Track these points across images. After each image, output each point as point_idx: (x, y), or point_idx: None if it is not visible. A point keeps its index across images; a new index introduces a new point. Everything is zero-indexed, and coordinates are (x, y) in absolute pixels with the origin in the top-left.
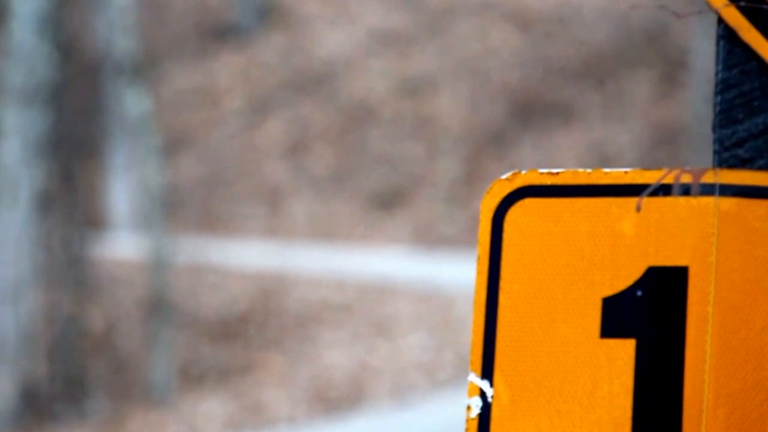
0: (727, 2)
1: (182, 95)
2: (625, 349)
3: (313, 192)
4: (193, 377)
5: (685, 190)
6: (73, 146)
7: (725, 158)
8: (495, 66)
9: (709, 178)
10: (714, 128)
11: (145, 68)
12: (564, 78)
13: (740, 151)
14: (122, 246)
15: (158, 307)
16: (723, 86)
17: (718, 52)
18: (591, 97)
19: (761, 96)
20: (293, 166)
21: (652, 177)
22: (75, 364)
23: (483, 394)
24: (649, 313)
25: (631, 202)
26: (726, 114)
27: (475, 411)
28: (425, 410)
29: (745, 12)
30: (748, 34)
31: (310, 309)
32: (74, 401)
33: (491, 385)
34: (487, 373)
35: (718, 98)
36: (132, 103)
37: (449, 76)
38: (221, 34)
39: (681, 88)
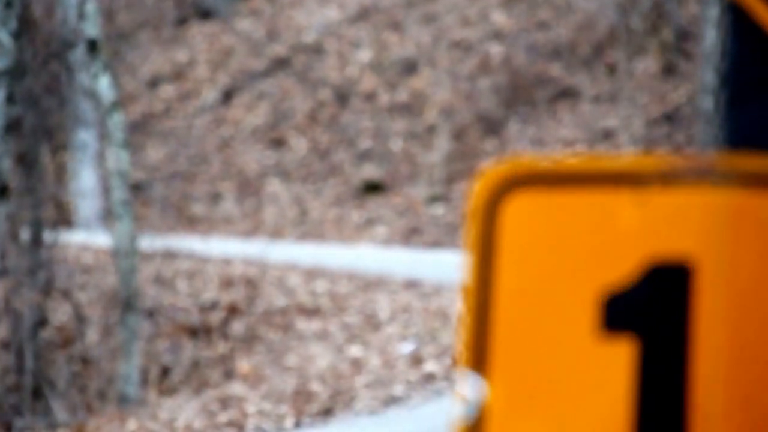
0: None
1: (152, 80)
2: (625, 347)
3: (291, 180)
4: (166, 377)
5: (691, 178)
6: (35, 133)
7: (734, 142)
8: (487, 46)
9: (716, 164)
10: (721, 110)
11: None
12: (558, 58)
13: (751, 135)
14: (89, 237)
15: (127, 302)
16: (733, 64)
17: (727, 31)
18: (587, 78)
19: None
20: (270, 153)
21: (655, 164)
22: (38, 363)
23: (476, 391)
24: (652, 310)
25: (633, 192)
26: (736, 94)
27: (468, 408)
28: (412, 407)
29: None
30: (760, 10)
31: (290, 304)
32: (37, 403)
33: (485, 382)
34: (480, 369)
35: (728, 77)
36: (99, 88)
37: (437, 58)
38: (193, 16)
39: (684, 68)
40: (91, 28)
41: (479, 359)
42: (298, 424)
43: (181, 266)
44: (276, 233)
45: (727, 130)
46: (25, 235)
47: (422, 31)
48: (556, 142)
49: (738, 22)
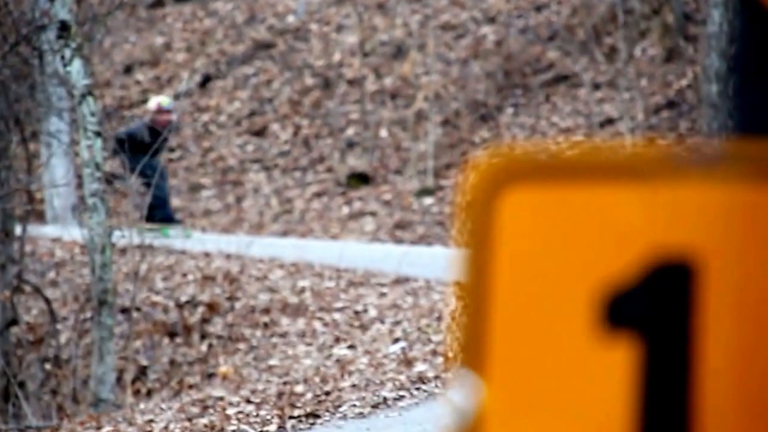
0: None
1: (126, 66)
2: (627, 346)
3: (273, 171)
4: (143, 378)
5: (697, 169)
6: (4, 121)
7: (743, 130)
8: (479, 29)
9: (723, 153)
10: (729, 95)
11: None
12: (555, 42)
13: (761, 121)
14: (61, 230)
15: (101, 299)
16: (742, 46)
17: (735, 11)
18: (585, 63)
19: None
20: (251, 143)
21: (658, 154)
22: (8, 363)
23: (471, 393)
24: (656, 308)
25: (636, 184)
26: (745, 78)
27: (463, 411)
28: (402, 410)
29: None
30: None
31: (272, 301)
32: (7, 406)
33: (481, 383)
34: (476, 370)
35: (736, 60)
36: (71, 74)
37: (427, 41)
38: None
39: (688, 52)
40: (62, 10)
41: (475, 359)
42: (281, 428)
43: (158, 261)
44: (258, 227)
45: (736, 116)
46: None
47: (411, 13)
48: (553, 130)
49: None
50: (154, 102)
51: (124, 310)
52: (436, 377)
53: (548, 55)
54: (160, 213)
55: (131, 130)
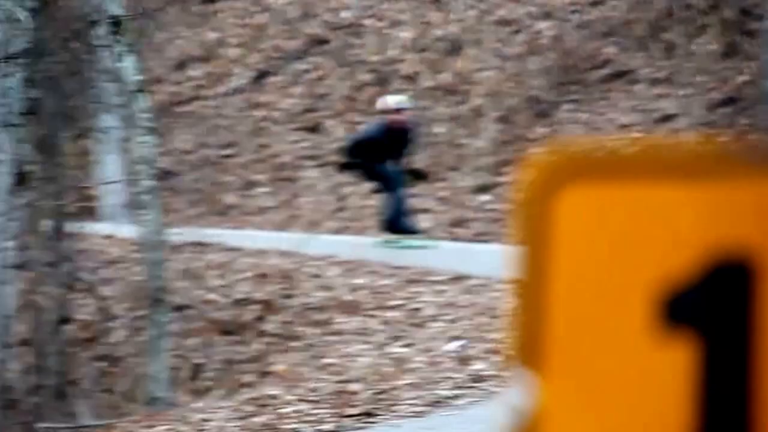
0: None
1: (179, 62)
2: (686, 345)
3: (328, 167)
4: (198, 376)
5: (758, 165)
6: (56, 118)
7: None
8: (536, 24)
9: None
10: None
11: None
12: (613, 37)
13: None
14: (114, 228)
15: (155, 297)
16: None
17: None
18: (643, 59)
19: None
20: (306, 139)
21: (718, 150)
22: (61, 362)
23: (529, 392)
24: (714, 307)
25: (695, 182)
26: None
27: (520, 409)
28: (459, 409)
29: None
30: None
31: (328, 299)
32: (60, 404)
33: (539, 381)
34: (534, 368)
35: None
36: (123, 70)
37: (483, 36)
38: None
39: (747, 48)
40: (115, 6)
41: (532, 357)
42: (337, 427)
43: (212, 259)
44: (313, 224)
45: None
46: (46, 226)
47: (466, 9)
48: (610, 126)
49: None
50: (388, 101)
51: (179, 308)
52: (494, 376)
53: (606, 51)
54: (400, 223)
55: (362, 136)
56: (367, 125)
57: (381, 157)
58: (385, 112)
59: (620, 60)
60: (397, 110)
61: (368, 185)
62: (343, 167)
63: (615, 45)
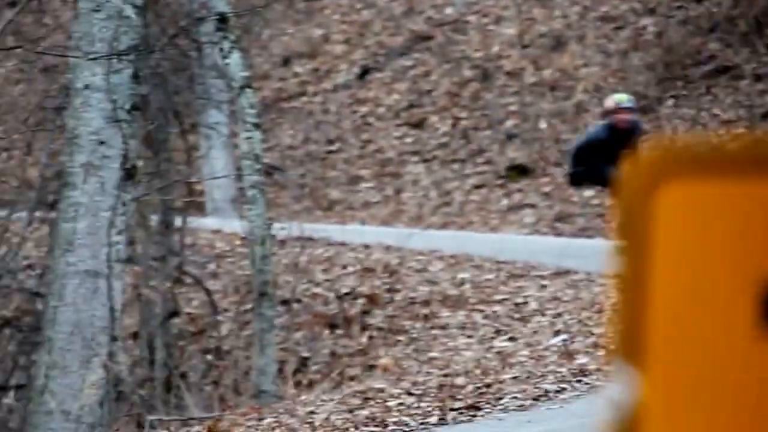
0: None
1: (285, 58)
2: None
3: (432, 163)
4: (304, 369)
5: None
6: (163, 114)
7: None
8: (639, 20)
9: None
10: None
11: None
12: (716, 33)
13: None
14: (221, 222)
15: (262, 291)
16: None
17: None
18: (747, 54)
19: None
20: (410, 135)
21: None
22: (170, 355)
23: (630, 386)
24: None
25: None
26: None
27: (622, 404)
28: (563, 403)
29: None
30: None
31: (432, 293)
32: (169, 396)
33: (640, 377)
34: (635, 363)
35: None
36: (229, 66)
37: (586, 33)
38: None
39: None
40: (221, 3)
41: (633, 352)
42: (442, 420)
43: (318, 253)
44: (417, 219)
45: None
46: (154, 220)
47: (570, 5)
48: (714, 122)
49: None
50: (612, 100)
51: (285, 302)
52: (598, 370)
53: (709, 47)
54: None
55: (586, 139)
56: (590, 128)
57: (606, 159)
58: (610, 112)
59: (724, 56)
60: (622, 109)
61: (579, 188)
62: (572, 179)
63: (718, 41)
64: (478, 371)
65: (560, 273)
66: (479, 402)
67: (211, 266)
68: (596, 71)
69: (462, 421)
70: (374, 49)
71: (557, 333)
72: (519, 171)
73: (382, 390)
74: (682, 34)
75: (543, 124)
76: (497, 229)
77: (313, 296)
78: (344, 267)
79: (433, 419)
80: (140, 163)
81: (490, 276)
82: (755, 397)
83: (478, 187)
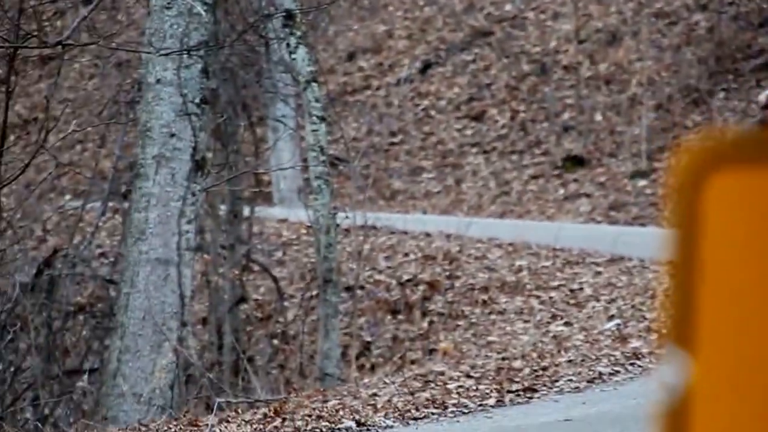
0: None
1: (349, 53)
2: None
3: (491, 154)
4: (367, 353)
5: None
6: (232, 107)
7: None
8: (691, 16)
9: None
10: None
11: (310, 25)
12: (766, 28)
13: None
14: (287, 211)
15: (326, 278)
16: None
17: None
18: None
19: None
20: (470, 127)
21: None
22: (238, 340)
23: (681, 370)
24: None
25: None
26: None
27: (673, 387)
28: (617, 385)
29: None
30: None
31: (491, 280)
32: (237, 380)
33: (691, 361)
34: (686, 348)
35: None
36: (296, 61)
37: (640, 28)
38: None
39: None
40: (288, 0)
41: (684, 337)
42: (500, 402)
43: (381, 241)
44: (476, 208)
45: None
46: (223, 210)
47: (625, 1)
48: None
49: None
50: (765, 95)
51: (349, 288)
52: (650, 353)
53: (759, 41)
54: None
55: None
56: (745, 124)
57: None
58: (763, 105)
59: None
60: None
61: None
62: None
63: (764, 37)
64: (534, 355)
65: (614, 260)
66: (536, 384)
67: (278, 254)
68: (650, 65)
69: (519, 403)
70: (436, 45)
71: (611, 318)
72: (575, 162)
73: (442, 373)
74: (732, 29)
75: (598, 117)
76: (554, 217)
77: (376, 283)
78: (406, 255)
79: (491, 401)
80: (210, 155)
81: (547, 263)
82: None
83: (535, 177)
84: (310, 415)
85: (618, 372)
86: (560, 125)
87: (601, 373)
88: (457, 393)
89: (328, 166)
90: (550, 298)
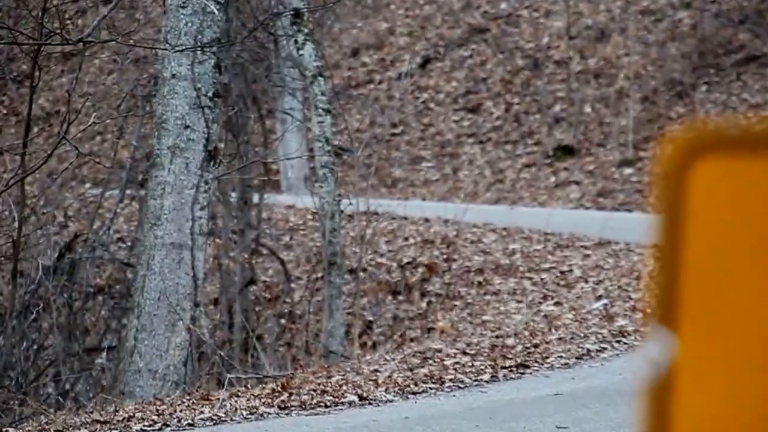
0: None
1: (353, 49)
2: None
3: (487, 144)
4: (369, 332)
5: None
6: (243, 100)
7: None
8: (676, 14)
9: None
10: None
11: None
12: (746, 25)
13: None
14: (294, 198)
15: (331, 261)
16: None
17: None
18: None
19: None
20: (467, 118)
21: None
22: (247, 319)
23: (665, 347)
24: None
25: None
26: None
27: (657, 363)
28: (604, 361)
29: None
30: None
31: (486, 263)
32: (246, 357)
33: (674, 338)
34: (669, 326)
35: None
36: (303, 57)
37: (628, 25)
38: None
39: None
40: None
41: (668, 316)
42: (494, 377)
43: (382, 227)
44: (472, 195)
45: None
46: (234, 197)
47: (613, 0)
48: (743, 106)
49: None
50: None
51: (352, 271)
52: (636, 331)
53: (740, 37)
54: None
55: None
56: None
57: None
58: None
59: (753, 46)
60: None
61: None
62: None
63: (748, 32)
64: (526, 333)
65: (602, 244)
66: (528, 361)
67: (285, 238)
68: (636, 60)
69: (512, 378)
70: (435, 41)
71: (599, 298)
72: (565, 151)
73: (439, 350)
74: (715, 26)
75: (587, 109)
76: (545, 204)
77: (378, 265)
78: (406, 239)
79: (486, 377)
80: (221, 145)
81: (539, 246)
82: None
83: (528, 166)
84: (315, 390)
85: (605, 349)
86: (552, 117)
87: (589, 350)
88: (454, 369)
89: (332, 156)
90: (542, 279)
